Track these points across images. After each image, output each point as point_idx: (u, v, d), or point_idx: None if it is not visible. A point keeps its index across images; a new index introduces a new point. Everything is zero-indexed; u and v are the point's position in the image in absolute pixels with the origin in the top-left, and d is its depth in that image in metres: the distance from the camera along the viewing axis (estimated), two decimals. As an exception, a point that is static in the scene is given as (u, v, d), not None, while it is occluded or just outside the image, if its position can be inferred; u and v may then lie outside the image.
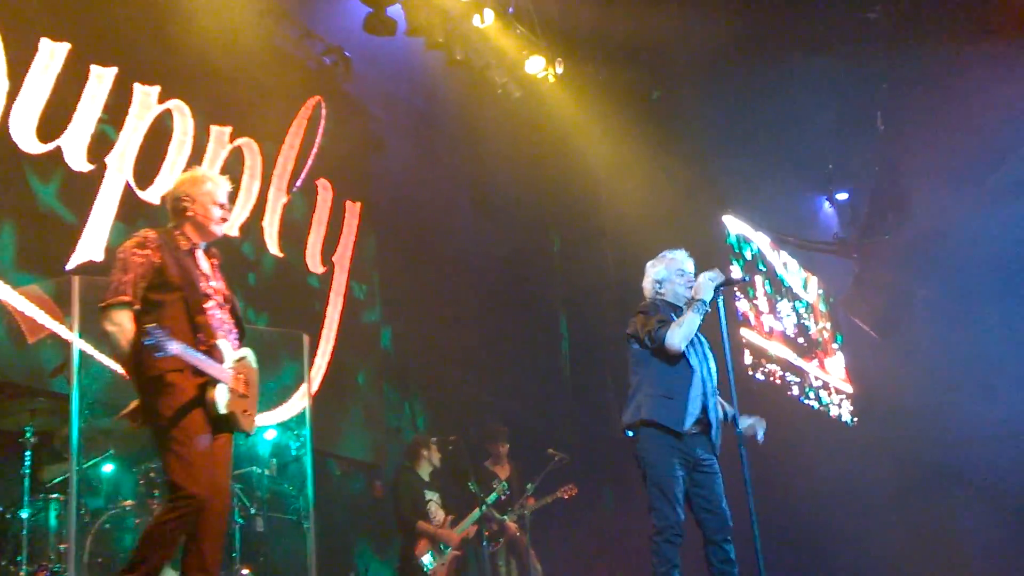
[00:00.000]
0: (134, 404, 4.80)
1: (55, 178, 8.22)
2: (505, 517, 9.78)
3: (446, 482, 9.91)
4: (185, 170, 9.06)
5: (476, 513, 9.50)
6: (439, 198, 12.26)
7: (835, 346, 18.19)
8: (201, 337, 4.71)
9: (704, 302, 6.20)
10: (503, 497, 9.84)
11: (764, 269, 16.40)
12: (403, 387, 12.03)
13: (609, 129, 12.90)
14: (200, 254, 5.01)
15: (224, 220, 5.06)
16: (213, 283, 4.97)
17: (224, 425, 4.80)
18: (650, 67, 13.54)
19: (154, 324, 4.41)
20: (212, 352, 4.72)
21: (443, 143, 12.68)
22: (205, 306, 4.79)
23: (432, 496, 9.65)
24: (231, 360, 4.82)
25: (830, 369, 17.62)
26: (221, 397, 4.69)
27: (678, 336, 6.14)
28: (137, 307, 4.68)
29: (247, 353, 5.01)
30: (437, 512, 9.57)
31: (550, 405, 13.28)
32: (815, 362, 17.09)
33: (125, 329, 4.62)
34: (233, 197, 9.66)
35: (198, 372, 4.66)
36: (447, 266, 12.27)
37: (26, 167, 7.99)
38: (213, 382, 4.67)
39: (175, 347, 4.42)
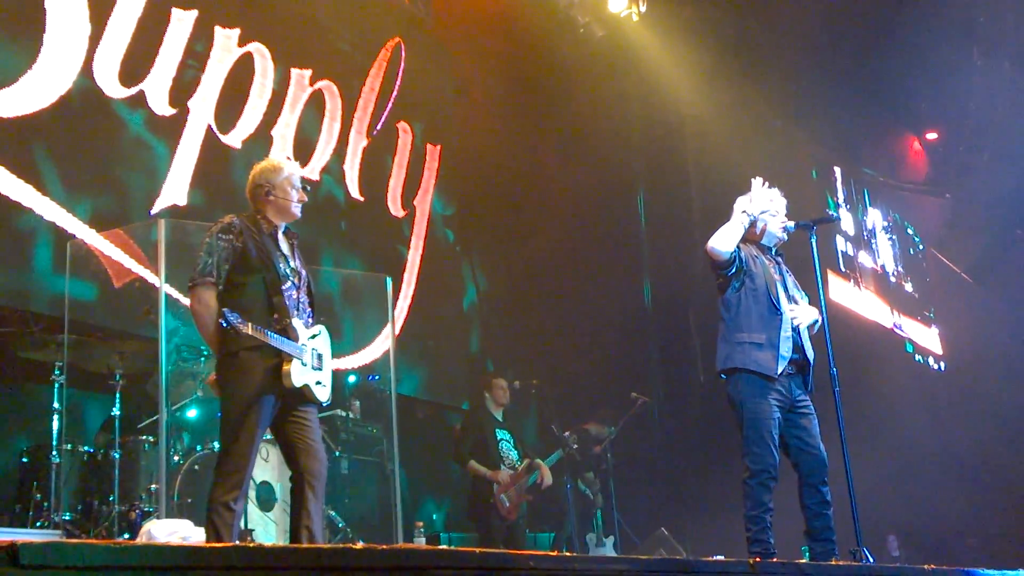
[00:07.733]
0: (213, 375, 5.16)
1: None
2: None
3: (519, 423, 9.77)
4: (265, 114, 9.22)
5: (555, 455, 9.45)
6: (521, 140, 12.12)
7: (927, 311, 17.64)
8: (277, 317, 5.06)
9: (748, 214, 6.12)
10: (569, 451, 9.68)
11: (856, 215, 16.02)
12: (487, 331, 12.00)
13: (694, 68, 12.62)
14: (280, 236, 5.31)
15: (303, 201, 5.35)
16: (291, 264, 5.27)
17: (299, 397, 5.12)
18: (734, 3, 13.19)
19: (229, 309, 4.79)
20: (287, 331, 5.05)
21: (524, 84, 12.52)
22: (282, 287, 5.12)
23: (504, 436, 9.28)
24: (305, 338, 5.15)
25: (922, 331, 17.14)
26: (295, 372, 5.01)
27: (715, 238, 6.02)
28: (220, 287, 5.04)
29: (321, 330, 5.34)
30: (509, 452, 9.18)
31: (633, 348, 13.17)
32: (903, 316, 16.64)
33: (210, 307, 4.97)
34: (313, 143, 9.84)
35: (273, 350, 4.99)
36: (530, 208, 12.16)
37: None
38: (288, 358, 5.00)
39: (248, 330, 4.79)
